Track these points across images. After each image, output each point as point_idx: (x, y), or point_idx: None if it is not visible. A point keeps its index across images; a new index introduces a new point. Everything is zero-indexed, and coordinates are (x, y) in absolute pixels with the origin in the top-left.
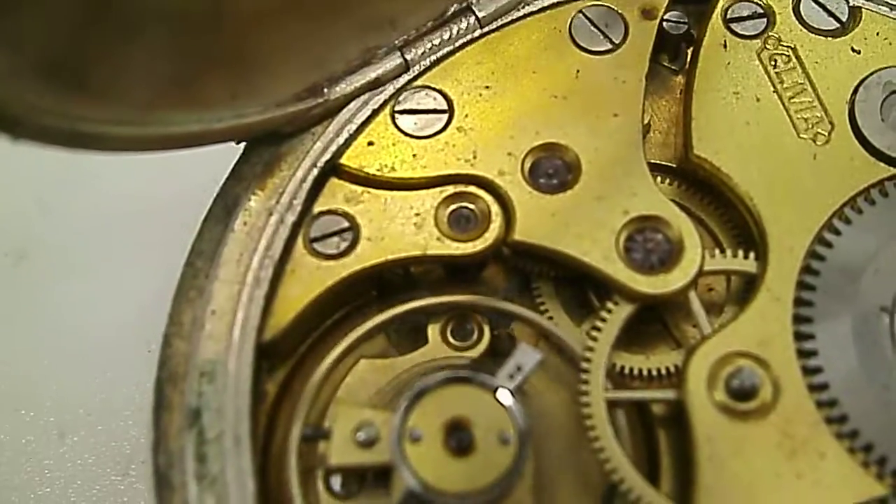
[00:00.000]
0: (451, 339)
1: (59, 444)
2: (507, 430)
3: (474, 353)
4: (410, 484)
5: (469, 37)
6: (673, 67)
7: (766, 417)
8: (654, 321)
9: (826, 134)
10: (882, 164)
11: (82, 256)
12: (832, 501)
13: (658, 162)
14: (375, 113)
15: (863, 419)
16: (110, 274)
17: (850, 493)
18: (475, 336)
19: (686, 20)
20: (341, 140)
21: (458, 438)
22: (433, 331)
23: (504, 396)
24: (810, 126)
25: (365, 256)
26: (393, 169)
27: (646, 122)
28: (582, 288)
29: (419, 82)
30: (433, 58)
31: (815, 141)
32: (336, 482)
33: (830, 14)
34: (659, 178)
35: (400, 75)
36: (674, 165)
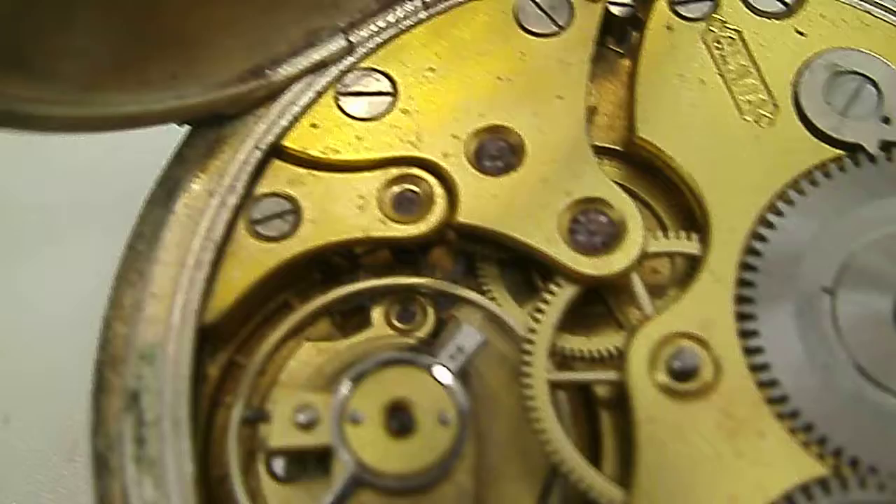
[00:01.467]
0: (395, 322)
1: (4, 428)
2: (448, 411)
3: (419, 335)
4: (350, 466)
5: (414, 19)
6: (619, 50)
7: (706, 398)
8: (599, 303)
9: (770, 116)
10: (825, 146)
11: (27, 240)
12: (773, 481)
13: (604, 145)
14: (319, 95)
15: (803, 399)
16: (55, 257)
17: (790, 473)
18: (419, 318)
19: (632, 3)
20: (284, 122)
21: (399, 420)
22: (377, 313)
23: (443, 375)
24: (754, 108)
25: (307, 239)
26: (336, 151)
27: (591, 104)
28: (527, 270)
29: (364, 65)
30: (378, 40)
31: (758, 123)
32: (279, 466)
33: None
34: (604, 161)
35: (344, 57)
36: (619, 148)
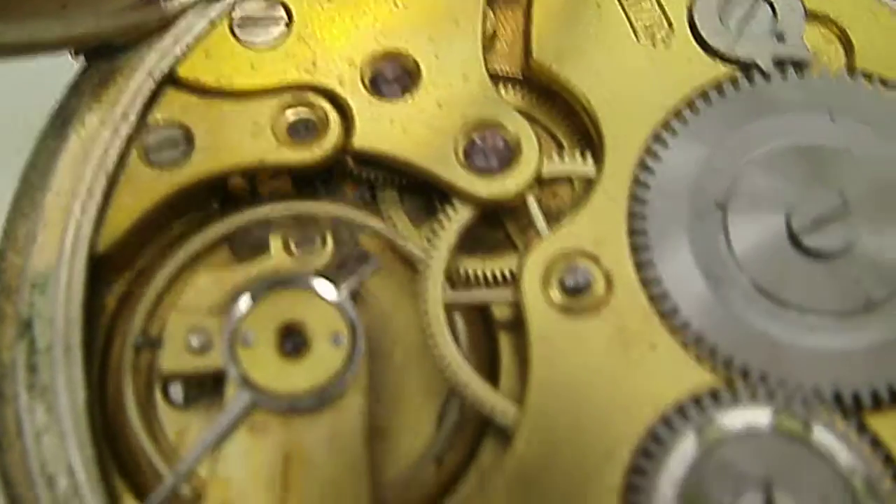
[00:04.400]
0: (293, 250)
1: None
2: (341, 332)
3: (317, 262)
4: (241, 387)
5: None
6: None
7: (599, 313)
8: (498, 228)
9: (665, 37)
10: (720, 65)
11: None
12: (664, 391)
13: (503, 72)
14: (213, 23)
15: (694, 312)
16: None
17: (682, 383)
18: (318, 246)
19: None
20: (178, 51)
21: (292, 341)
22: (275, 241)
23: (336, 297)
24: (650, 30)
25: (201, 166)
26: (230, 79)
27: (490, 32)
28: (427, 195)
29: None
30: None
31: (653, 44)
32: (176, 392)
33: None
34: (504, 88)
35: None
36: (518, 76)
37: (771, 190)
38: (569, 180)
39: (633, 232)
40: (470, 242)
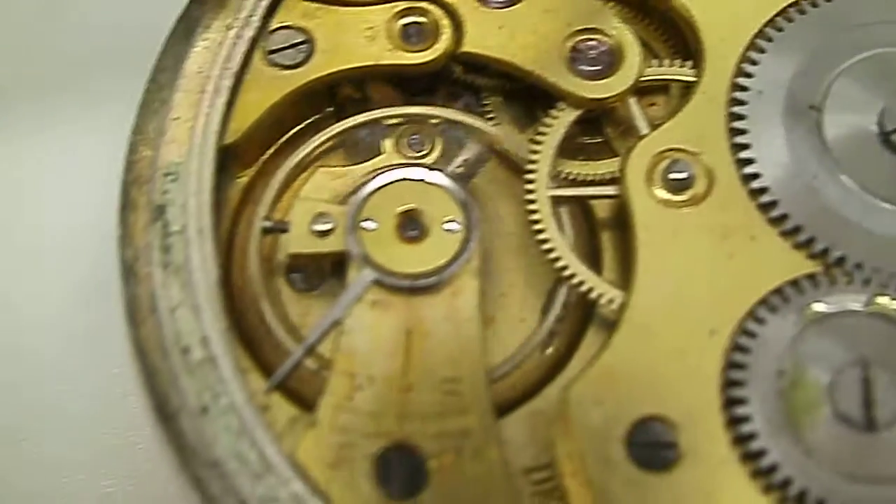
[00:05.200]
0: (404, 150)
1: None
2: (456, 219)
3: (427, 162)
4: (363, 266)
5: None
6: None
7: (700, 206)
8: (596, 134)
9: None
10: None
11: (52, 97)
12: (764, 278)
13: None
14: None
15: (793, 204)
16: (78, 113)
17: (781, 271)
18: (427, 146)
19: None
20: None
21: (410, 227)
22: (387, 142)
23: (451, 186)
24: None
25: (320, 66)
26: None
27: None
28: (530, 103)
29: None
30: None
31: None
32: (298, 280)
33: None
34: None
35: None
36: None
37: (863, 94)
38: (665, 91)
39: (732, 131)
40: (570, 151)
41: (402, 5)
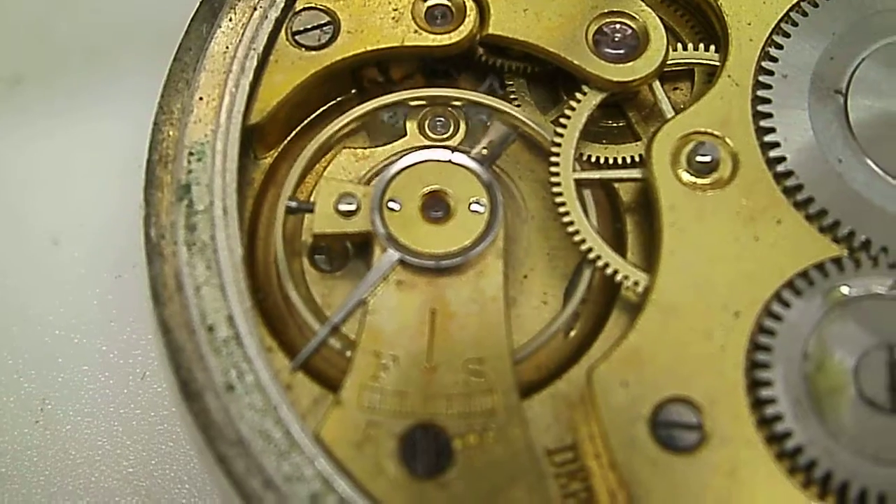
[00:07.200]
0: (428, 132)
1: (54, 250)
2: (481, 198)
3: (451, 143)
4: (387, 245)
5: None
6: None
7: (725, 189)
8: (619, 118)
9: None
10: None
11: (76, 79)
12: (789, 261)
13: None
14: None
15: (818, 188)
16: (100, 94)
17: (806, 254)
18: (451, 128)
19: None
20: None
21: (435, 208)
22: (411, 124)
23: (476, 167)
24: None
25: (345, 47)
26: None
27: None
28: (553, 86)
29: None
30: None
31: None
32: (321, 261)
33: None
34: None
35: None
36: None
37: (887, 78)
38: (689, 76)
39: (757, 114)
40: (592, 135)
41: None
